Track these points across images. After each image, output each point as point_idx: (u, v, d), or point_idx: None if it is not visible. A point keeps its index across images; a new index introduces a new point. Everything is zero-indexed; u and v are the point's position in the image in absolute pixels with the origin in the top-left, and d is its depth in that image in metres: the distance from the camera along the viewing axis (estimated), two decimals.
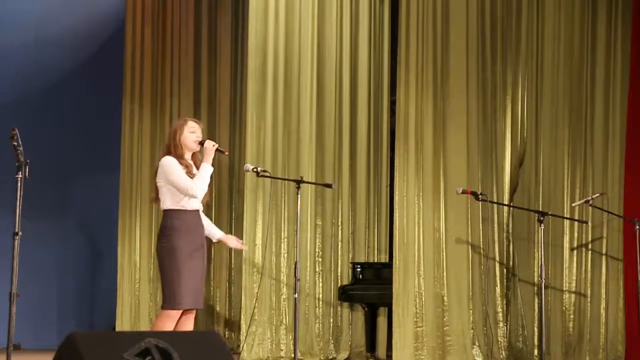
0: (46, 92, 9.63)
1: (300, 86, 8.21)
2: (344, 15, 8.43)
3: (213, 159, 5.13)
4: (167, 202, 5.06)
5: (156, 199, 5.15)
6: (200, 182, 5.02)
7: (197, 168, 5.15)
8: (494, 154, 7.84)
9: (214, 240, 5.59)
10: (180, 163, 5.05)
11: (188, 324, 5.10)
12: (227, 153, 5.32)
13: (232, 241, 5.56)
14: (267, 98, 8.09)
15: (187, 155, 5.14)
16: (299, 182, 6.07)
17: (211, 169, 5.09)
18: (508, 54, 7.90)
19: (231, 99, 9.26)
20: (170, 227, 5.03)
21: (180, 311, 5.02)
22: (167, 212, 5.07)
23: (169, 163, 5.05)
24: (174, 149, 5.11)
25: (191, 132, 5.12)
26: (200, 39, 9.29)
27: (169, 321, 4.97)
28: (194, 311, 5.16)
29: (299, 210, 6.11)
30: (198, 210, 5.15)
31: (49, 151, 9.21)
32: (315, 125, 8.23)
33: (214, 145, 5.09)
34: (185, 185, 5.00)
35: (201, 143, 5.13)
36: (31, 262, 7.82)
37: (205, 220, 5.33)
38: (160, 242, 5.05)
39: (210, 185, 9.73)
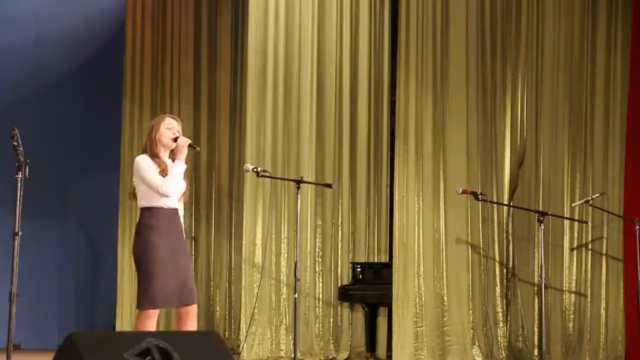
0: (46, 92, 9.63)
1: (300, 86, 8.21)
2: (344, 15, 8.42)
3: (190, 158, 5.06)
4: (142, 200, 4.96)
5: (134, 195, 5.06)
6: (172, 180, 4.90)
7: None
8: (494, 154, 7.83)
9: None
10: (154, 162, 4.94)
11: (190, 324, 4.99)
12: (197, 148, 5.13)
13: None
14: (267, 98, 8.09)
15: (164, 153, 5.01)
16: (299, 182, 6.07)
17: (184, 166, 4.98)
18: (508, 54, 7.90)
19: (231, 99, 9.26)
20: (145, 225, 4.92)
21: (157, 310, 4.88)
22: (142, 210, 4.97)
23: (140, 161, 4.95)
24: (149, 146, 5.00)
25: (167, 129, 5.00)
26: (200, 39, 9.30)
27: (148, 321, 4.85)
28: (194, 307, 5.00)
29: (299, 210, 6.11)
30: (176, 209, 5.01)
31: (49, 151, 9.21)
32: (315, 125, 8.23)
33: (186, 142, 4.98)
34: (156, 183, 4.88)
35: (176, 140, 5.00)
36: (31, 262, 7.83)
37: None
38: (135, 240, 4.95)
39: (210, 185, 9.76)
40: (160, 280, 4.84)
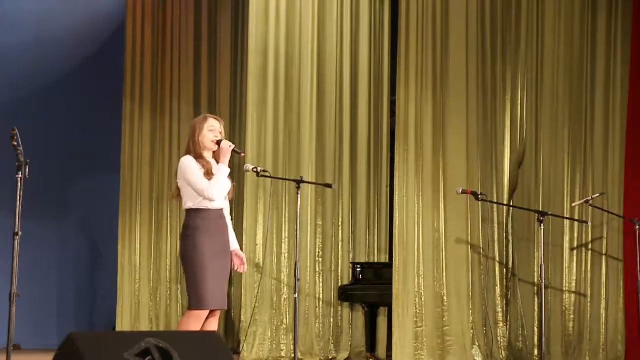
0: (46, 92, 9.64)
1: (300, 86, 8.21)
2: (344, 15, 8.43)
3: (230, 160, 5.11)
4: (189, 202, 5.01)
5: (178, 196, 5.09)
6: (217, 184, 4.95)
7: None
8: (494, 154, 7.83)
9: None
10: (199, 163, 4.99)
11: (213, 325, 5.02)
12: (242, 154, 5.21)
13: (235, 260, 5.24)
14: (267, 98, 8.10)
15: (207, 154, 5.05)
16: (299, 182, 6.06)
17: (228, 170, 5.02)
18: (508, 54, 7.90)
19: (231, 99, 9.26)
20: (192, 226, 4.96)
21: (207, 311, 4.94)
22: (189, 212, 5.02)
23: (186, 163, 4.99)
24: (192, 147, 5.04)
25: (210, 131, 5.04)
26: (200, 39, 9.29)
27: (197, 321, 4.90)
28: (219, 312, 5.08)
29: (299, 210, 6.10)
30: (222, 210, 5.07)
31: (49, 151, 9.21)
32: (316, 125, 8.24)
33: (230, 146, 5.01)
34: (201, 187, 4.94)
35: (219, 143, 5.04)
36: (31, 262, 7.83)
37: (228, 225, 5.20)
38: (183, 242, 5.00)
39: None
40: (209, 281, 4.89)
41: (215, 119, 5.16)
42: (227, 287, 5.07)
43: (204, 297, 4.89)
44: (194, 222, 4.97)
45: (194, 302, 4.92)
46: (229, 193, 5.13)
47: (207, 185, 4.93)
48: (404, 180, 7.70)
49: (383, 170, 8.54)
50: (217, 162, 5.08)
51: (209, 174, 4.97)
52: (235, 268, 5.22)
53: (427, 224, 7.64)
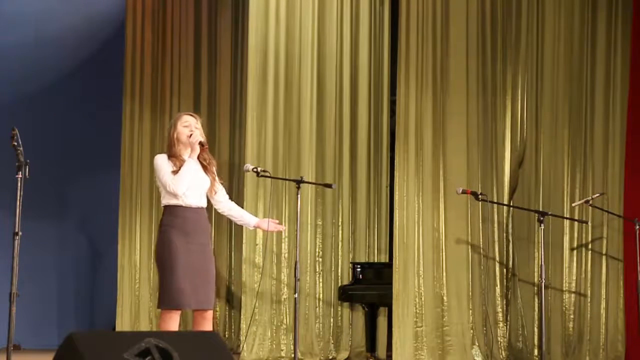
0: (46, 92, 9.63)
1: (300, 86, 8.21)
2: (344, 15, 8.43)
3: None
4: (163, 198, 4.99)
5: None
6: (180, 178, 4.88)
7: (205, 165, 5.05)
8: (494, 154, 7.84)
9: (250, 228, 5.46)
10: (171, 161, 4.94)
11: (205, 326, 4.95)
12: (206, 146, 5.06)
13: (264, 224, 5.36)
14: (267, 98, 8.10)
15: (185, 152, 4.99)
16: (299, 182, 6.06)
17: (192, 164, 4.94)
18: (508, 53, 7.90)
19: (231, 99, 9.26)
20: (167, 224, 4.93)
21: (179, 311, 4.88)
22: (164, 209, 4.99)
23: (156, 160, 4.99)
24: (169, 146, 5.03)
25: (184, 127, 5.00)
26: (200, 39, 9.29)
27: (170, 321, 4.84)
28: (209, 312, 4.97)
29: (299, 210, 6.10)
30: (200, 208, 5.00)
31: (49, 151, 9.21)
32: (316, 125, 8.24)
33: (196, 139, 4.95)
34: (165, 181, 4.90)
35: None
36: (31, 262, 7.83)
37: (236, 211, 5.28)
38: (157, 239, 4.99)
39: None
40: (178, 280, 4.83)
41: (191, 115, 5.12)
42: (207, 288, 4.92)
43: (170, 296, 4.82)
44: (169, 219, 4.93)
45: (160, 300, 4.88)
46: (209, 190, 5.06)
47: (170, 180, 4.89)
48: (404, 180, 7.70)
49: (383, 170, 8.53)
50: (202, 162, 5.05)
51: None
52: (273, 230, 5.40)
53: (427, 224, 7.64)
